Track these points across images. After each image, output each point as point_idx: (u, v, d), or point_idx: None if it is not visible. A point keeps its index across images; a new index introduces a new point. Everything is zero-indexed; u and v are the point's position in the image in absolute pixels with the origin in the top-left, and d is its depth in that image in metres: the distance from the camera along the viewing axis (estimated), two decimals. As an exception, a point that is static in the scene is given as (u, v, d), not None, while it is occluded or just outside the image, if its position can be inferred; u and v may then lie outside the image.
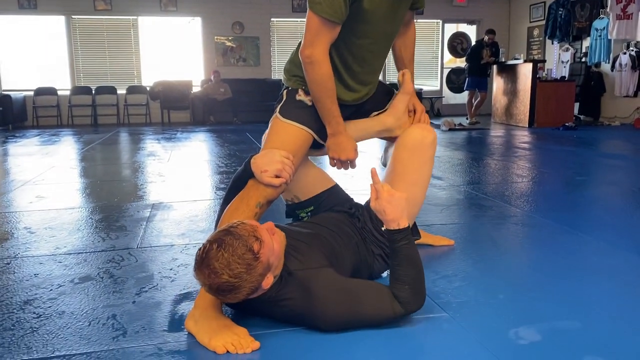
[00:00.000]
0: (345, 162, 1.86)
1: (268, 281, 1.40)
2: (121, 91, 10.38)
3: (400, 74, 1.95)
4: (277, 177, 1.66)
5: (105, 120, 10.37)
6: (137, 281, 1.94)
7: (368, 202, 1.86)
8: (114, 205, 3.23)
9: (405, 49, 2.06)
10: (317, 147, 1.89)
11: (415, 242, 2.24)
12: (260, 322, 1.55)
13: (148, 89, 10.44)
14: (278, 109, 1.84)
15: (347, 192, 2.06)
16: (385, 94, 2.02)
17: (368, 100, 1.94)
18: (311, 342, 1.45)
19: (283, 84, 1.92)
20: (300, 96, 1.82)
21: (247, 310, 1.60)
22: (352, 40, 1.76)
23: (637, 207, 3.05)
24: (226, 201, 1.74)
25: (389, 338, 1.46)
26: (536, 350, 1.39)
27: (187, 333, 1.51)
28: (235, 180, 1.75)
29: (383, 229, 1.56)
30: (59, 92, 10.16)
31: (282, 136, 1.78)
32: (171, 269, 2.06)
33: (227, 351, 1.40)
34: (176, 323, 1.59)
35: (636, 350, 1.38)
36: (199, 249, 1.37)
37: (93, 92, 10.28)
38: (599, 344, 1.41)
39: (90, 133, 8.47)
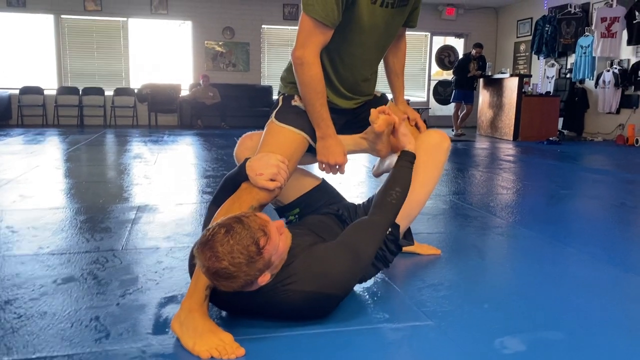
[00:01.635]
0: (334, 167, 1.85)
1: (264, 278, 1.41)
2: (109, 92, 10.31)
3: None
4: (272, 180, 1.65)
5: (91, 121, 10.28)
6: (122, 283, 1.92)
7: (368, 201, 1.89)
8: (98, 206, 3.20)
9: (397, 62, 2.12)
10: (312, 153, 1.88)
11: (403, 250, 2.27)
12: (246, 328, 1.55)
13: (136, 91, 10.38)
14: (274, 114, 1.85)
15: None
16: (380, 104, 1.99)
17: (365, 110, 1.94)
18: (295, 348, 1.44)
19: (279, 92, 1.93)
20: (296, 102, 1.83)
21: (237, 310, 1.60)
22: (344, 48, 1.78)
23: (618, 220, 3.10)
24: (216, 201, 1.72)
25: (375, 346, 1.46)
26: (520, 360, 1.40)
27: (171, 336, 1.50)
28: (226, 181, 1.74)
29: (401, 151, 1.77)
30: (45, 92, 10.06)
31: (278, 140, 1.78)
32: (156, 272, 2.05)
33: (211, 356, 1.39)
34: (160, 326, 1.57)
35: (617, 361, 1.40)
36: (207, 230, 1.38)
37: (80, 92, 10.20)
38: (582, 355, 1.43)
39: (76, 134, 8.40)
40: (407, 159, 1.70)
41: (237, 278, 1.35)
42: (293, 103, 1.83)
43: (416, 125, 2.09)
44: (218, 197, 1.73)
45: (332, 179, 2.03)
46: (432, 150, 1.86)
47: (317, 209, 1.90)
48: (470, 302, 1.78)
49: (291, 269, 1.49)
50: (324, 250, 1.54)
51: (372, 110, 1.81)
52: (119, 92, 10.36)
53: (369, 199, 1.92)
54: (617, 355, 1.43)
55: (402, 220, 1.82)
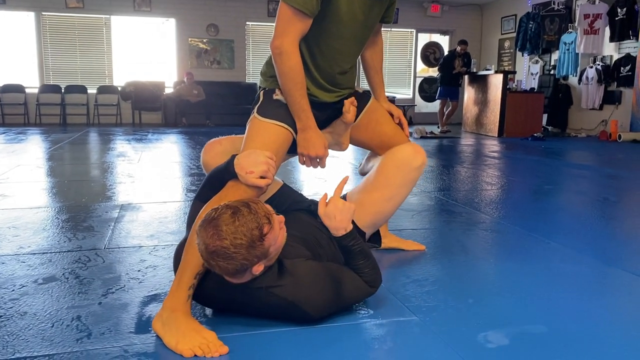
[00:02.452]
0: (314, 159, 1.82)
1: (258, 268, 1.41)
2: (92, 91, 10.21)
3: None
4: (262, 178, 1.62)
5: (74, 119, 10.17)
6: (104, 282, 1.90)
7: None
8: (81, 205, 3.16)
9: (375, 58, 2.10)
10: (294, 149, 1.86)
11: (388, 246, 2.26)
12: (229, 325, 1.53)
13: (119, 89, 10.29)
14: (256, 109, 1.82)
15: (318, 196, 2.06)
16: (363, 100, 2.00)
17: (342, 101, 1.92)
18: (280, 345, 1.44)
19: (260, 87, 1.90)
20: (277, 95, 1.80)
21: (219, 306, 1.59)
22: (322, 39, 1.77)
23: (602, 215, 3.13)
24: (200, 197, 1.70)
25: (359, 341, 1.46)
26: (504, 354, 1.40)
27: (154, 335, 1.48)
28: (212, 177, 1.70)
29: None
30: (27, 90, 9.94)
31: (263, 136, 1.75)
32: (139, 271, 2.02)
33: (195, 355, 1.38)
34: (143, 325, 1.55)
35: (600, 353, 1.41)
36: (213, 210, 1.38)
37: (62, 90, 10.08)
38: (565, 348, 1.44)
39: (58, 132, 8.30)
40: (347, 242, 1.59)
41: (234, 260, 1.35)
42: (274, 97, 1.80)
43: (399, 123, 2.08)
44: (202, 193, 1.71)
45: (317, 173, 2.01)
46: (402, 166, 1.82)
47: (284, 211, 1.86)
48: (455, 298, 1.79)
49: (280, 277, 1.49)
50: (314, 273, 1.53)
51: (345, 101, 1.81)
52: (102, 90, 10.26)
53: None
54: (599, 347, 1.44)
55: (367, 229, 1.83)
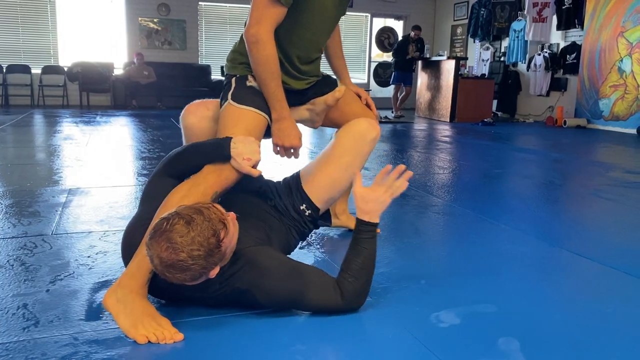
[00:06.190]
0: (289, 150, 1.82)
1: (215, 271, 1.36)
2: (36, 71, 9.76)
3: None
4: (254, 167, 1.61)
5: (17, 101, 9.72)
6: (52, 269, 1.84)
7: (291, 178, 1.85)
8: (26, 190, 3.04)
9: (335, 44, 2.17)
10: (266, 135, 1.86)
11: (344, 225, 2.27)
12: (184, 311, 1.52)
13: (66, 69, 9.89)
14: (230, 96, 1.77)
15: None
16: (327, 85, 2.03)
17: (311, 87, 1.96)
18: (235, 330, 1.43)
19: (227, 74, 1.86)
20: (251, 82, 1.78)
21: (169, 298, 1.56)
22: (295, 30, 1.77)
23: (547, 198, 3.25)
24: (168, 171, 1.65)
25: (312, 323, 1.47)
26: (455, 333, 1.44)
27: (105, 322, 1.45)
28: (192, 151, 1.65)
29: (357, 218, 1.58)
30: (-35, 69, 9.43)
31: (245, 122, 1.73)
32: (89, 257, 1.97)
33: (148, 341, 1.36)
34: (94, 311, 1.52)
35: (547, 330, 1.47)
36: (163, 219, 1.30)
37: (4, 70, 9.61)
38: (513, 326, 1.49)
39: (0, 114, 7.93)
40: (366, 229, 1.57)
41: (191, 271, 1.29)
42: (248, 84, 1.78)
43: (367, 105, 2.13)
44: (173, 165, 1.66)
45: (288, 163, 1.99)
46: (357, 138, 1.83)
47: (232, 191, 1.83)
48: (408, 279, 1.82)
49: (232, 265, 1.44)
50: (272, 259, 1.49)
51: (339, 87, 1.90)
52: (48, 70, 9.83)
53: (290, 176, 1.89)
54: (545, 324, 1.50)
55: (322, 203, 1.81)
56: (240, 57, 1.82)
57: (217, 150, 1.61)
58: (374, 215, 1.57)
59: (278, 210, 1.75)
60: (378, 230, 2.30)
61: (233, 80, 1.81)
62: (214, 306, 1.53)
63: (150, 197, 1.62)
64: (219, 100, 1.87)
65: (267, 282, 1.44)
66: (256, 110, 1.76)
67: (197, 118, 1.87)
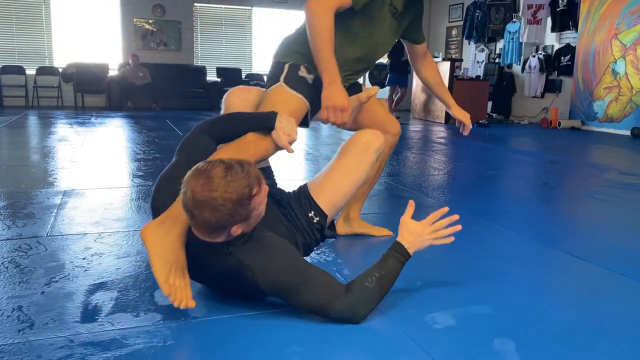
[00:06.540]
0: (338, 111, 1.82)
1: (237, 230, 1.41)
2: (30, 72, 9.73)
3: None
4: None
5: (11, 102, 9.70)
6: (47, 271, 1.83)
7: (299, 189, 1.87)
8: (21, 191, 3.03)
9: (434, 74, 2.40)
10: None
11: (358, 231, 2.32)
12: (178, 312, 1.51)
13: (60, 70, 9.86)
14: (282, 79, 1.89)
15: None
16: (358, 88, 2.14)
17: (349, 88, 2.03)
18: (230, 331, 1.43)
19: (279, 61, 1.95)
20: (303, 72, 1.89)
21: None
22: (362, 37, 1.95)
23: (542, 199, 3.26)
24: (210, 132, 1.71)
25: (308, 325, 1.47)
26: (451, 334, 1.45)
27: (101, 323, 1.45)
28: (236, 117, 1.77)
29: (396, 241, 1.62)
30: (-41, 70, 9.39)
31: (290, 106, 1.85)
32: (84, 258, 1.97)
33: (168, 295, 1.41)
34: (89, 314, 1.51)
35: (542, 331, 1.47)
36: (205, 162, 1.40)
37: (-2, 71, 9.58)
38: (509, 327, 1.50)
39: (-6, 115, 7.90)
40: (400, 252, 1.59)
41: (219, 213, 1.35)
42: (300, 73, 1.89)
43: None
44: (216, 127, 1.73)
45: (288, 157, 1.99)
46: (362, 147, 1.89)
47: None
48: (403, 280, 1.81)
49: (246, 243, 1.47)
50: (280, 246, 1.51)
51: (373, 87, 2.02)
52: (42, 71, 9.80)
53: (298, 188, 1.90)
54: (541, 325, 1.51)
55: (330, 210, 1.83)
56: (295, 46, 1.93)
57: (263, 120, 1.74)
58: (411, 248, 1.60)
59: (288, 219, 1.77)
60: (390, 233, 2.33)
61: (286, 66, 1.92)
62: (210, 283, 1.56)
63: (188, 150, 1.68)
64: (260, 88, 2.01)
65: (271, 263, 1.46)
66: (303, 99, 1.89)
67: (239, 100, 1.94)
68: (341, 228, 2.33)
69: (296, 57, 1.92)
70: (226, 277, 1.50)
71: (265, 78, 2.01)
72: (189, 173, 1.39)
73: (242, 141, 1.72)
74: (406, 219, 1.64)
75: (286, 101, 1.86)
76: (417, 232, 1.61)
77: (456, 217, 1.64)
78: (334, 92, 1.82)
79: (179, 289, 1.42)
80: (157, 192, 1.62)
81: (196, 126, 1.75)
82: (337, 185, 1.83)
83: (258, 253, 1.47)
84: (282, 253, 1.49)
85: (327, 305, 1.46)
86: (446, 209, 1.66)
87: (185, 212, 1.39)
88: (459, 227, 1.65)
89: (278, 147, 1.76)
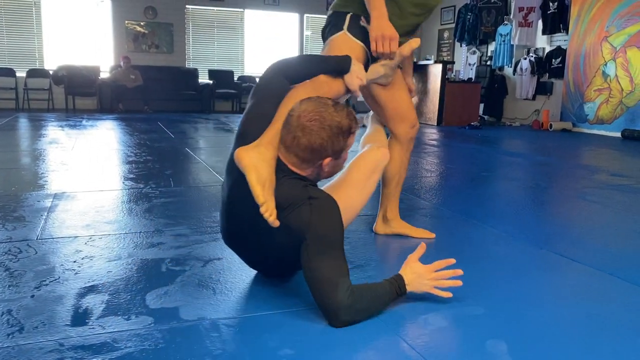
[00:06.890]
0: (387, 40, 1.94)
1: (326, 162, 1.55)
2: (20, 74, 9.67)
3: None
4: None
5: (2, 104, 9.63)
6: (37, 274, 1.81)
7: None
8: (10, 194, 3.00)
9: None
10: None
11: (397, 232, 2.36)
12: (174, 315, 1.51)
13: (51, 72, 9.80)
14: (346, 27, 2.03)
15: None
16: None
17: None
18: (222, 333, 1.42)
19: (337, 11, 2.08)
20: (364, 23, 2.01)
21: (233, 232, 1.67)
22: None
23: (534, 201, 3.27)
24: (286, 74, 1.75)
25: (301, 326, 1.47)
26: (443, 335, 1.45)
27: (92, 327, 1.43)
28: (311, 60, 1.84)
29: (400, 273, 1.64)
30: (-52, 72, 9.31)
31: (355, 53, 1.96)
32: (75, 262, 1.95)
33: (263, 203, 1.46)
34: (80, 317, 1.50)
35: (534, 332, 1.48)
36: (317, 96, 1.59)
37: (-13, 73, 9.51)
38: (501, 328, 1.50)
39: (-16, 117, 7.84)
40: (399, 284, 1.59)
41: (319, 137, 1.50)
42: (361, 23, 2.02)
43: None
44: (294, 68, 1.77)
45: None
46: (372, 166, 1.89)
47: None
48: (396, 282, 1.82)
49: (306, 204, 1.51)
50: (336, 211, 1.54)
51: (416, 38, 2.06)
52: (33, 73, 9.75)
53: None
54: (532, 326, 1.51)
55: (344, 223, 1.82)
56: None
57: (339, 63, 1.83)
58: (409, 286, 1.61)
59: None
60: (432, 235, 2.37)
61: (348, 16, 2.05)
62: (256, 253, 1.69)
63: (263, 89, 1.73)
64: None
65: (332, 213, 1.51)
66: (365, 47, 2.02)
67: None
68: (380, 228, 2.38)
69: (355, 7, 2.04)
70: (283, 211, 1.50)
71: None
72: (298, 101, 1.55)
73: (315, 81, 1.79)
74: (413, 258, 1.65)
75: (352, 48, 1.99)
76: (418, 274, 1.62)
77: (460, 272, 1.64)
78: (382, 24, 1.95)
79: (269, 203, 1.47)
80: (245, 124, 1.67)
81: (270, 66, 1.79)
82: (351, 201, 1.80)
83: (327, 198, 1.54)
84: (339, 216, 1.52)
85: (334, 288, 1.44)
86: (452, 260, 1.66)
87: (286, 136, 1.53)
88: (459, 283, 1.64)
89: (347, 91, 1.85)
